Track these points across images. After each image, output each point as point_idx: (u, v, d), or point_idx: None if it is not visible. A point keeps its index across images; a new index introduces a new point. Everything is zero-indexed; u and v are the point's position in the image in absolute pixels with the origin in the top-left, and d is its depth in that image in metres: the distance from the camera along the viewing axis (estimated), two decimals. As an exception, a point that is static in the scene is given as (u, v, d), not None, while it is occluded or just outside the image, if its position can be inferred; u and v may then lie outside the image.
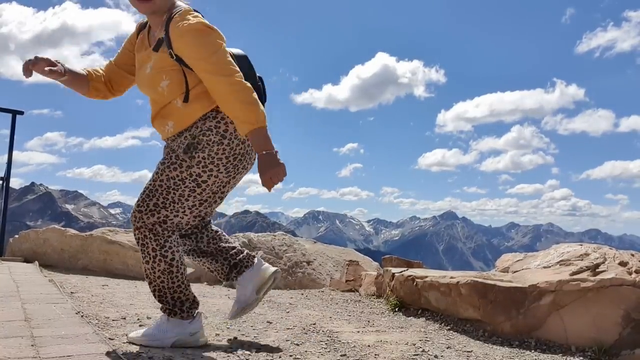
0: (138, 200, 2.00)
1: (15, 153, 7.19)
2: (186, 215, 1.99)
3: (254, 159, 2.06)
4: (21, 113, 6.65)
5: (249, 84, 1.82)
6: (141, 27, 2.12)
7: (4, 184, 6.54)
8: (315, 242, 5.67)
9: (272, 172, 1.80)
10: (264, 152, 1.79)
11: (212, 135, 1.94)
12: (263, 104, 1.91)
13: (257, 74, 2.11)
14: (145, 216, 1.96)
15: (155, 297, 2.05)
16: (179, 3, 1.99)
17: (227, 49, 1.90)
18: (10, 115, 6.62)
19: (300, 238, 5.71)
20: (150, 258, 1.98)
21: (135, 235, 2.01)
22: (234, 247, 2.27)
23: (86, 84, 2.14)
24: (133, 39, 2.15)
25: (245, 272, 2.23)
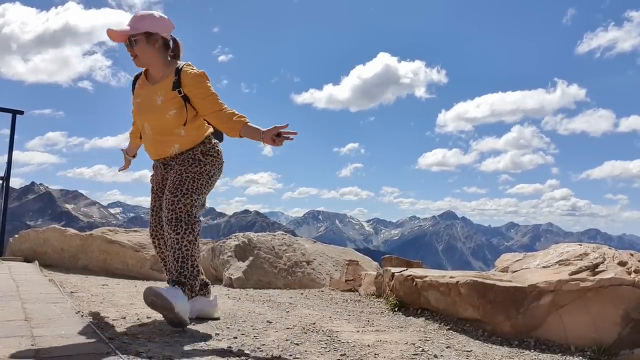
0: (170, 191, 2.56)
1: (15, 153, 7.19)
2: (201, 204, 2.64)
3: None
4: (21, 113, 6.65)
5: (233, 111, 2.56)
6: (137, 77, 2.81)
7: (4, 184, 6.54)
8: (315, 242, 5.67)
9: (273, 132, 2.40)
10: (262, 130, 2.44)
11: (213, 151, 2.73)
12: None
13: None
14: (183, 199, 2.53)
15: (175, 268, 2.46)
16: (178, 62, 2.69)
17: None
18: (10, 115, 6.62)
19: (300, 238, 5.71)
20: (181, 230, 2.48)
21: (169, 216, 2.50)
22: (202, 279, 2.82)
23: (139, 143, 3.04)
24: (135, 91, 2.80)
25: (204, 297, 2.79)
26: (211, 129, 2.76)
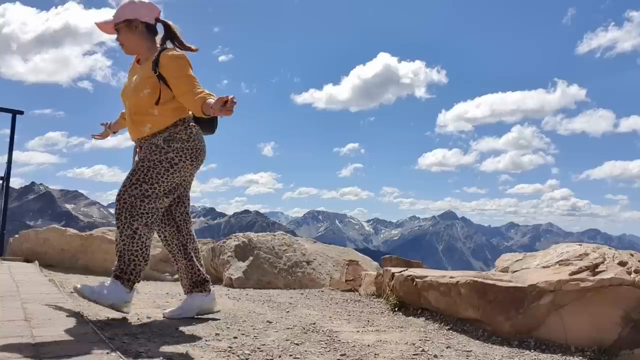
0: (123, 181, 2.55)
1: (15, 153, 7.18)
2: (161, 193, 2.55)
3: (204, 157, 2.69)
4: (21, 113, 6.64)
5: (202, 90, 2.46)
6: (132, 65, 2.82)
7: (4, 184, 6.54)
8: (315, 242, 5.67)
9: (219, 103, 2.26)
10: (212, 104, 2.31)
11: (182, 134, 2.60)
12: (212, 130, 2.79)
13: None
14: (129, 189, 2.50)
15: (116, 261, 2.52)
16: (166, 46, 2.68)
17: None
18: (10, 115, 6.61)
19: (300, 238, 5.71)
20: (120, 224, 2.50)
21: (116, 207, 2.51)
22: (200, 272, 2.81)
23: (124, 124, 3.00)
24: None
25: (201, 293, 2.80)
26: (189, 114, 2.67)
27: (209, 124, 2.76)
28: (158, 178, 2.53)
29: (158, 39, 2.74)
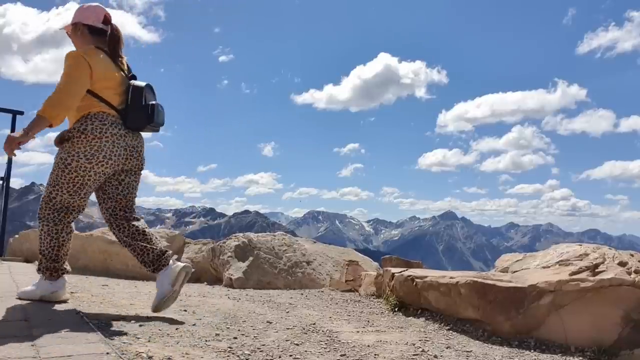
0: None
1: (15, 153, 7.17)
2: (65, 194, 2.68)
3: (118, 156, 2.70)
4: (21, 113, 6.64)
5: (61, 96, 2.55)
6: None
7: (4, 184, 6.54)
8: (315, 242, 5.67)
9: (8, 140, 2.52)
10: (20, 132, 2.52)
11: (75, 132, 2.64)
12: (153, 126, 2.80)
13: (153, 102, 2.81)
14: (44, 193, 2.73)
15: (39, 254, 2.74)
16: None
17: (132, 81, 2.81)
18: (10, 115, 6.61)
19: (300, 238, 5.71)
20: (39, 223, 2.73)
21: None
22: (154, 249, 2.75)
23: None
24: None
25: (162, 270, 2.72)
26: (94, 110, 2.66)
27: (137, 118, 2.74)
28: (58, 180, 2.67)
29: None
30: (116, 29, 2.86)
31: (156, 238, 2.84)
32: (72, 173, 2.63)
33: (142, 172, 2.92)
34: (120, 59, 2.86)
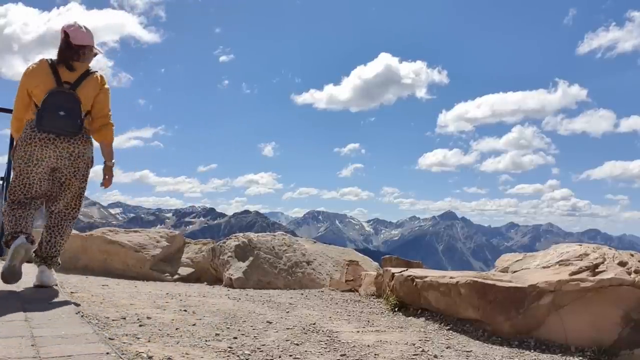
0: None
1: (15, 153, 7.16)
2: (19, 185, 3.14)
3: (40, 155, 3.10)
4: (21, 113, 6.64)
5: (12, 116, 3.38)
6: None
7: (4, 184, 6.53)
8: (315, 242, 5.67)
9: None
10: None
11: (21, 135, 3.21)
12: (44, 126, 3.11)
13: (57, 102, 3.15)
14: None
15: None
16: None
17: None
18: (10, 115, 6.60)
19: (300, 238, 5.71)
20: None
21: None
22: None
23: None
24: None
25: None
26: (32, 115, 3.15)
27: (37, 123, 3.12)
28: (13, 176, 3.22)
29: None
30: (66, 40, 3.21)
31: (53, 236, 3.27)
32: (17, 169, 3.18)
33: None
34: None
